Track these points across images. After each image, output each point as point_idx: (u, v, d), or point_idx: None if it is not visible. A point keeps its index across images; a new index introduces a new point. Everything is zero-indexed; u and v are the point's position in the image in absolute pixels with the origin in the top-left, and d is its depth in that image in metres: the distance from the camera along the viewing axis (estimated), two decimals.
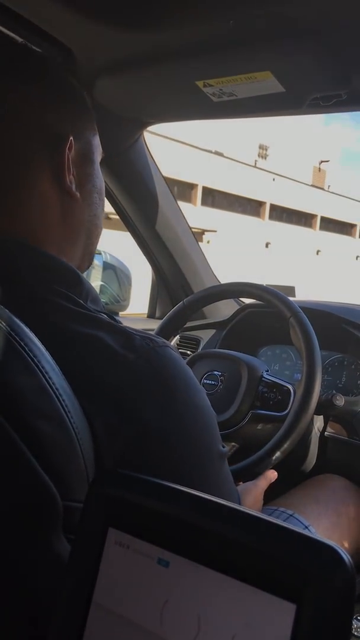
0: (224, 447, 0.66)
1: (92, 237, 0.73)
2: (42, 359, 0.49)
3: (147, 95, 1.05)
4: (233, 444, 1.10)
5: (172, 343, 1.51)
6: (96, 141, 0.72)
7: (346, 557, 0.31)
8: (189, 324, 1.45)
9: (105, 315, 0.62)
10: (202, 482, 0.60)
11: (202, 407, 0.62)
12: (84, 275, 0.69)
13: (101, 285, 1.65)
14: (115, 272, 1.68)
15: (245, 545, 0.34)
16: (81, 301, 0.61)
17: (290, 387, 1.07)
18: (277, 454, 0.98)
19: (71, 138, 0.66)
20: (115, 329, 0.59)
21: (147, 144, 1.34)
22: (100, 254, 1.62)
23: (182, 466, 0.58)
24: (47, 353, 0.50)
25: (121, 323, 0.62)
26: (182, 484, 0.56)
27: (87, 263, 0.75)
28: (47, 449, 0.47)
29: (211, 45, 0.85)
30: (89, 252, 0.74)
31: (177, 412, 0.58)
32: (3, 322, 0.47)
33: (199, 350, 1.48)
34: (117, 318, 0.64)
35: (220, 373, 1.14)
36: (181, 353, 1.48)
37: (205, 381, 1.15)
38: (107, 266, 1.64)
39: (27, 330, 0.49)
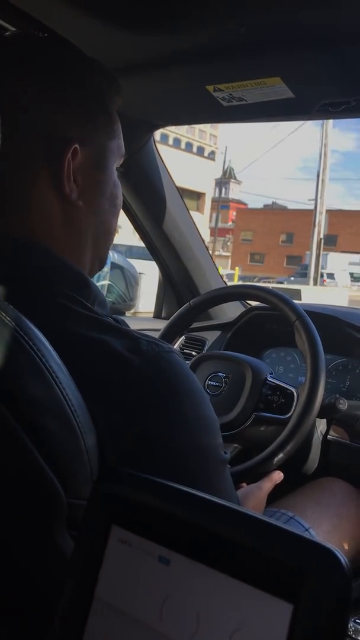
0: (225, 453, 0.65)
1: (99, 244, 0.70)
2: (49, 357, 0.49)
3: (158, 99, 1.06)
4: (235, 445, 1.10)
5: (177, 343, 1.52)
6: (113, 145, 0.69)
7: (343, 559, 0.31)
8: (194, 325, 1.45)
9: (111, 319, 0.62)
10: (203, 487, 0.60)
11: (205, 413, 0.61)
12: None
13: (108, 284, 1.66)
14: (123, 272, 1.69)
15: (244, 545, 0.34)
16: (88, 304, 0.61)
17: (294, 390, 1.08)
18: (280, 455, 0.99)
19: (76, 145, 0.63)
20: (121, 333, 0.59)
21: (157, 146, 1.36)
22: None
23: (184, 471, 0.58)
24: (54, 351, 0.50)
25: (127, 326, 0.62)
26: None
27: (98, 268, 0.74)
28: (52, 446, 0.48)
29: (222, 50, 0.86)
30: (99, 258, 0.72)
31: (180, 417, 0.58)
32: (11, 320, 0.48)
33: (204, 351, 1.48)
34: (122, 319, 0.64)
35: (224, 374, 1.15)
36: (186, 354, 1.48)
37: (209, 382, 1.16)
38: (114, 266, 1.65)
39: (34, 328, 0.50)
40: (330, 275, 30.02)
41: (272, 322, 1.41)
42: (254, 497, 0.95)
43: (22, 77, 0.63)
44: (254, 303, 1.46)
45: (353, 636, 0.85)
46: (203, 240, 1.61)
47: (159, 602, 0.36)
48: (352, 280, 32.82)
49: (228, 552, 0.35)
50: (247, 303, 1.64)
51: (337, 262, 34.20)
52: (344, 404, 1.08)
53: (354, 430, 1.19)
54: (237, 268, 25.90)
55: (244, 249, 41.93)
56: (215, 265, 1.66)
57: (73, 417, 0.49)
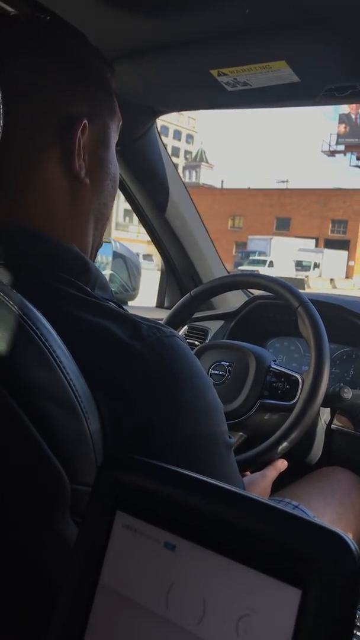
0: (230, 437, 0.65)
1: (98, 228, 0.70)
2: (54, 343, 0.49)
3: (162, 84, 1.04)
4: (241, 433, 1.10)
5: (179, 333, 1.51)
6: (114, 125, 0.69)
7: (352, 544, 0.31)
8: (197, 315, 1.45)
9: (112, 304, 0.61)
10: (207, 472, 0.60)
11: (208, 398, 0.61)
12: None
13: (111, 274, 1.65)
14: (125, 262, 1.68)
15: (251, 530, 0.34)
16: (88, 289, 0.60)
17: (298, 376, 1.07)
18: (285, 443, 0.99)
19: (85, 121, 0.63)
20: (122, 318, 0.58)
21: (160, 132, 1.34)
22: (109, 242, 1.62)
23: (187, 457, 0.58)
24: (58, 337, 0.50)
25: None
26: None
27: (94, 255, 0.73)
28: (56, 432, 0.47)
29: (226, 33, 0.85)
30: (98, 241, 0.72)
31: (183, 402, 0.57)
32: (15, 306, 0.47)
33: (207, 340, 1.48)
34: (125, 307, 0.64)
35: (228, 363, 1.15)
36: (189, 343, 1.47)
37: (213, 371, 1.15)
38: (116, 255, 1.65)
39: (38, 314, 0.49)
40: (268, 263, 26.26)
41: (275, 311, 1.40)
42: (258, 485, 0.95)
43: (26, 55, 0.63)
44: (256, 292, 1.45)
45: None
46: (206, 229, 1.60)
47: (165, 588, 0.36)
48: (299, 269, 28.73)
49: (234, 538, 0.35)
50: (250, 292, 1.64)
51: (284, 248, 30.00)
52: (348, 393, 1.08)
53: (358, 419, 1.19)
54: None
55: None
56: (218, 254, 1.65)
57: (77, 402, 0.49)
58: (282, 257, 28.21)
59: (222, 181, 47.04)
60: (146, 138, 1.30)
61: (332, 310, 1.29)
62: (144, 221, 1.51)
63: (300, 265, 29.79)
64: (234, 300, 1.63)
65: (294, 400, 1.04)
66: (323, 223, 36.70)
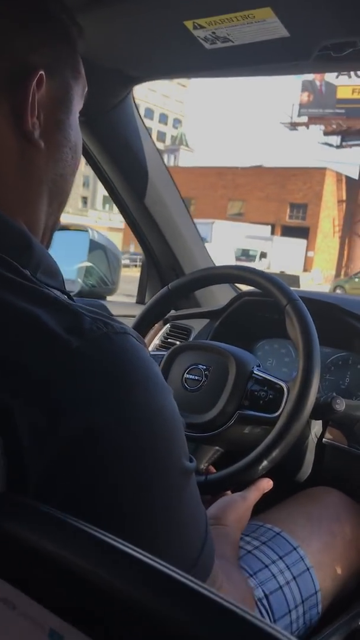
0: (191, 460, 0.54)
1: (54, 205, 0.61)
2: None
3: (129, 39, 0.91)
4: (216, 447, 0.97)
5: (161, 332, 1.39)
6: (78, 87, 0.62)
7: None
8: (180, 312, 1.33)
9: (56, 291, 0.51)
10: (157, 505, 0.48)
11: (164, 410, 0.50)
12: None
13: (89, 266, 1.53)
14: (105, 252, 1.55)
15: (170, 624, 0.22)
16: (26, 271, 0.50)
17: (283, 385, 0.94)
18: (264, 463, 0.86)
19: (42, 72, 0.55)
20: (61, 307, 0.48)
21: (137, 105, 1.21)
22: (86, 231, 1.50)
23: (131, 485, 0.46)
24: None
25: (109, 312, 0.51)
26: (130, 508, 0.44)
27: (50, 234, 0.63)
28: None
29: None
30: (53, 221, 0.63)
31: (129, 415, 0.47)
32: None
33: (189, 340, 1.35)
34: (102, 303, 0.53)
35: (205, 367, 1.01)
36: (170, 343, 1.35)
37: (188, 376, 1.02)
38: (94, 246, 1.52)
39: None
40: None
41: (264, 309, 1.27)
42: (236, 509, 0.84)
43: None
44: (245, 288, 1.33)
45: None
46: (191, 217, 1.47)
47: None
48: (244, 259, 24.47)
49: (145, 632, 0.23)
50: (239, 288, 1.51)
51: (229, 235, 25.67)
52: (340, 404, 0.94)
53: (353, 433, 1.06)
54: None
55: None
56: (204, 244, 1.52)
57: None
58: (223, 244, 23.77)
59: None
60: (121, 110, 1.16)
61: (327, 310, 1.16)
62: (121, 206, 1.37)
63: (245, 255, 25.32)
64: (221, 296, 1.50)
65: (277, 413, 0.91)
66: (280, 207, 32.08)
